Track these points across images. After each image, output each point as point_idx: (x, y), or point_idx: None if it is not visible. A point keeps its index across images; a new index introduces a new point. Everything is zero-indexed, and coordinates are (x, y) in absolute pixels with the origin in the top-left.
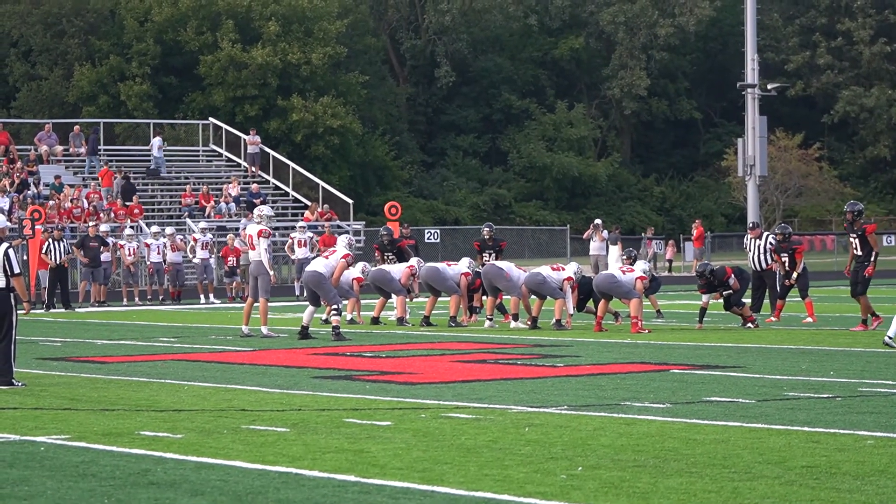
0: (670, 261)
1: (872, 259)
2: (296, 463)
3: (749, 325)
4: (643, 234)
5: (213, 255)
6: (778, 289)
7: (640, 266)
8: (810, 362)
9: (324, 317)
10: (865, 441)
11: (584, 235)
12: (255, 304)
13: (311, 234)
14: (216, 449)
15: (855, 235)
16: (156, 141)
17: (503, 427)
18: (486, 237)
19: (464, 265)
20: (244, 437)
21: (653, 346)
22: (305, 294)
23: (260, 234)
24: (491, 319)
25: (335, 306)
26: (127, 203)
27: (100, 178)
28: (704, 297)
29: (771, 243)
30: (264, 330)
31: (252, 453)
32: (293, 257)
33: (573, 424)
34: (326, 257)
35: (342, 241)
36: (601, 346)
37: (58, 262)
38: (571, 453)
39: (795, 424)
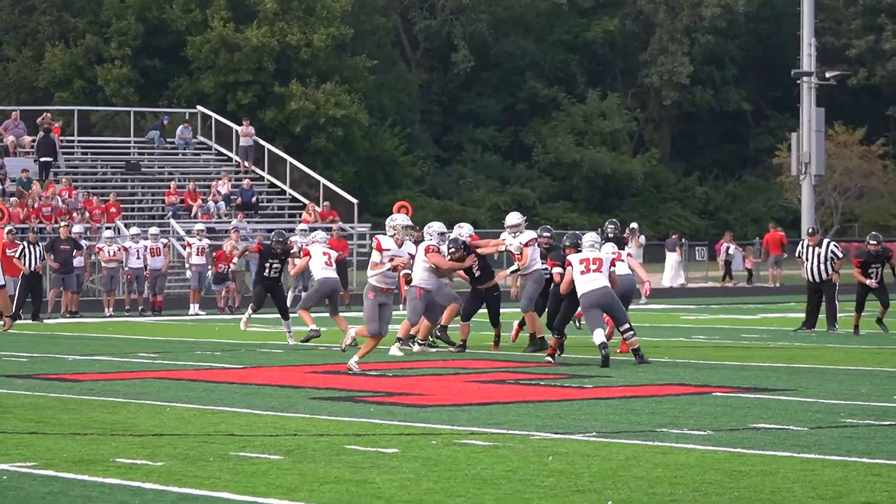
0: (750, 270)
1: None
2: (291, 495)
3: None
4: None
5: (210, 262)
6: (836, 301)
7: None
8: (871, 385)
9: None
10: None
11: None
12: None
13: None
14: (201, 478)
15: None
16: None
17: (524, 455)
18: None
19: None
20: (233, 466)
21: (693, 365)
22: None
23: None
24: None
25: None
26: (47, 159)
27: None
28: None
29: (833, 252)
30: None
31: (242, 483)
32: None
33: (603, 453)
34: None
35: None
36: (635, 365)
37: (32, 268)
38: (601, 486)
39: (853, 455)
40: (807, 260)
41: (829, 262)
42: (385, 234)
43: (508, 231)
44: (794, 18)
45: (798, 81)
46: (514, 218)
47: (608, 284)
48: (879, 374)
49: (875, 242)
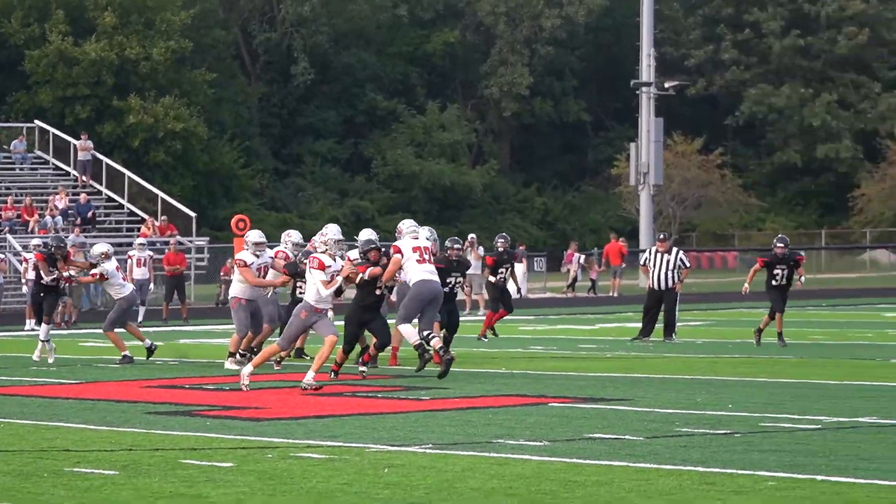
0: (593, 280)
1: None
2: None
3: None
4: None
5: None
6: (676, 311)
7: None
8: (707, 394)
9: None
10: (766, 482)
11: None
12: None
13: (150, 253)
14: (35, 494)
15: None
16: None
17: (359, 468)
18: None
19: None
20: (67, 481)
21: (530, 376)
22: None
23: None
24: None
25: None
26: None
27: None
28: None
29: (681, 261)
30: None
31: (76, 499)
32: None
33: (438, 465)
34: None
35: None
36: (472, 376)
37: None
38: (436, 497)
39: (688, 464)
40: (653, 266)
41: (676, 271)
42: (279, 248)
43: (293, 249)
44: (634, 29)
45: (637, 92)
46: (296, 236)
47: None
48: (715, 382)
49: (782, 245)
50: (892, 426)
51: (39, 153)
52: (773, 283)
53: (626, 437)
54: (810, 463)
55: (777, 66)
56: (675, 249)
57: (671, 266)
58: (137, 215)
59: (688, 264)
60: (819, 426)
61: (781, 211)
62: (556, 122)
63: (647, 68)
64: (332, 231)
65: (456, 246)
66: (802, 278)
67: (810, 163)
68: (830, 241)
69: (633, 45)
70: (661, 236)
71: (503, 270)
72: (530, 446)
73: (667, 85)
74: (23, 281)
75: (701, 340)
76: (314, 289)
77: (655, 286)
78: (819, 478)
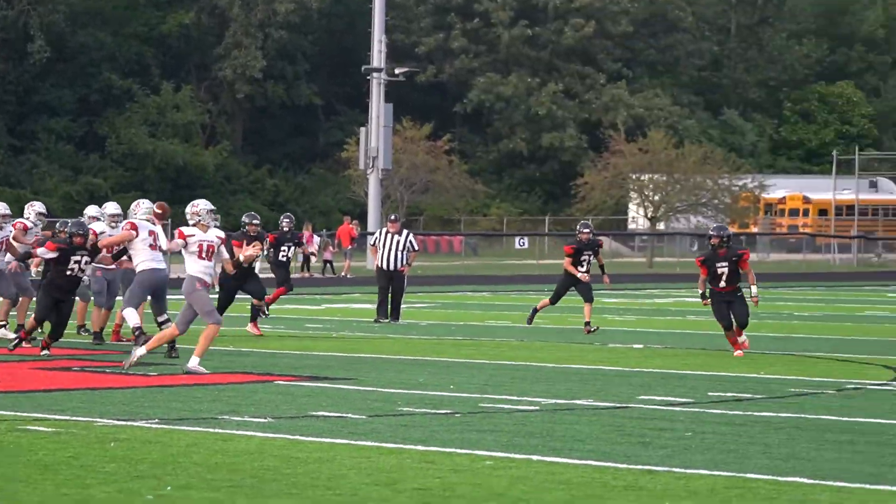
0: (328, 261)
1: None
2: None
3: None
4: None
5: None
6: (403, 293)
7: None
8: (429, 374)
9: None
10: (483, 462)
11: None
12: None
13: None
14: None
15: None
16: None
17: (86, 442)
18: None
19: None
20: None
21: (256, 354)
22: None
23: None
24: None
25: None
26: None
27: None
28: None
29: (410, 243)
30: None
31: None
32: None
33: (164, 440)
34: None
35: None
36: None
37: None
38: (160, 472)
39: (408, 443)
40: (383, 247)
41: (405, 252)
42: (18, 220)
43: (109, 220)
44: (367, 16)
45: (368, 77)
46: (113, 207)
47: (166, 269)
48: (438, 364)
49: (587, 231)
50: (607, 408)
51: None
52: (581, 270)
53: (349, 415)
54: (527, 443)
55: (505, 56)
56: (405, 231)
57: (401, 247)
58: None
59: (416, 247)
60: (537, 408)
61: (507, 197)
62: (289, 104)
63: (378, 54)
64: (202, 203)
65: (255, 222)
66: (606, 276)
67: (535, 151)
68: (554, 227)
69: (365, 32)
70: (393, 217)
71: (285, 248)
72: (254, 423)
73: (397, 71)
74: None
75: (425, 322)
76: (191, 262)
77: (384, 266)
78: (535, 458)
